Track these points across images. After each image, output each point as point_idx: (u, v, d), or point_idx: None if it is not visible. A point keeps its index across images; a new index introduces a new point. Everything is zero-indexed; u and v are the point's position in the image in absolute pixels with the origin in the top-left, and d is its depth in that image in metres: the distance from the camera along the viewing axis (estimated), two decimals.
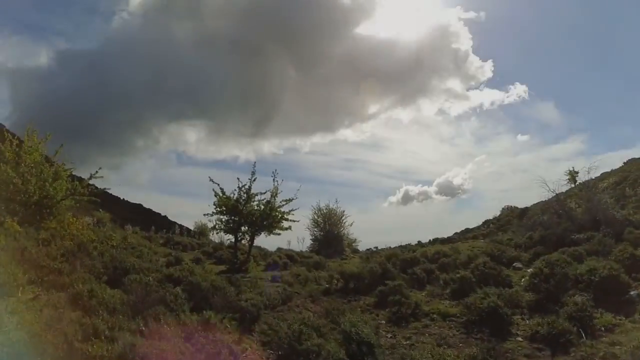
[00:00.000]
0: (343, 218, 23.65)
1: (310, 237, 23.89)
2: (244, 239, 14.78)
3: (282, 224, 14.52)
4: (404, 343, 6.63)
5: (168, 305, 5.77)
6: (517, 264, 12.74)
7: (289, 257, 17.33)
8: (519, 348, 6.54)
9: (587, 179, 23.15)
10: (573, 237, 14.32)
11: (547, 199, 31.92)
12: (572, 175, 30.45)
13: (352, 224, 23.98)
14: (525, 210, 28.98)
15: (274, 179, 14.51)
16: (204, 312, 6.05)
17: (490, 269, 9.79)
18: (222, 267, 14.26)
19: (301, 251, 24.20)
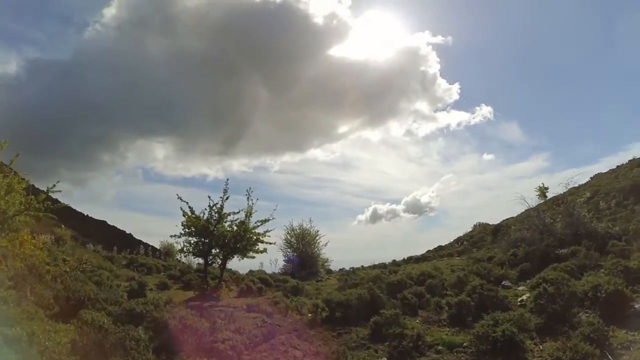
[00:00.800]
0: (317, 238, 22.67)
1: (283, 259, 22.77)
2: (214, 262, 13.53)
3: (257, 246, 13.43)
4: None
5: (128, 353, 4.61)
6: (506, 283, 12.11)
7: (262, 281, 16.10)
8: None
9: (562, 192, 23.39)
10: (557, 252, 13.93)
11: (522, 215, 32.16)
12: (542, 191, 30.89)
13: (326, 243, 23.05)
14: (498, 226, 28.94)
15: (248, 198, 13.44)
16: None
17: (488, 290, 9.02)
18: (191, 293, 12.98)
19: (274, 273, 23.01)
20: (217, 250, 13.06)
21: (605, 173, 35.61)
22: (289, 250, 22.50)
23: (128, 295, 10.82)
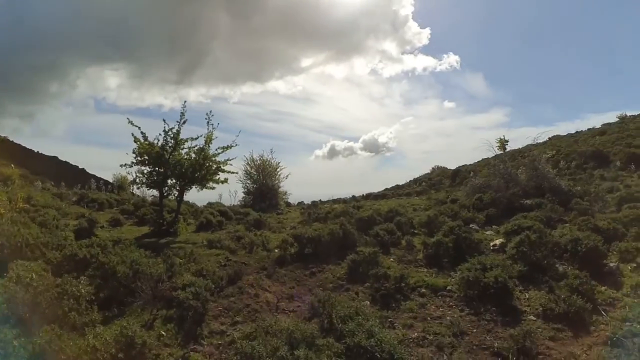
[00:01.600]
0: (278, 170, 21.71)
1: (243, 190, 21.79)
2: (170, 194, 12.22)
3: (218, 176, 12.21)
4: (413, 337, 5.11)
5: (66, 314, 3.58)
6: (474, 226, 11.89)
7: (222, 214, 15.17)
8: (539, 330, 5.33)
9: (520, 147, 23.54)
10: (522, 202, 13.90)
11: (481, 163, 32.66)
12: (502, 142, 31.18)
13: (287, 176, 22.19)
14: (457, 171, 29.28)
15: (208, 122, 11.91)
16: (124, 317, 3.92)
17: (465, 232, 8.57)
18: (146, 229, 11.87)
19: (233, 205, 22.10)
20: (174, 181, 11.70)
21: (564, 136, 36.58)
22: (248, 181, 21.50)
23: (75, 236, 9.58)
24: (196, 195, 27.14)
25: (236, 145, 12.21)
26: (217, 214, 14.49)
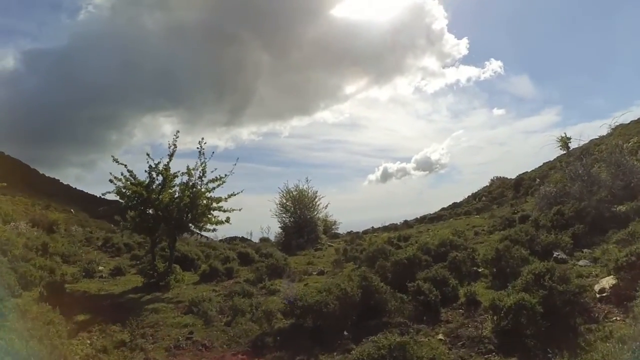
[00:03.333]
0: (316, 200, 19.17)
1: (279, 225, 19.46)
2: (161, 240, 10.07)
3: (213, 215, 9.84)
4: None
5: None
6: (559, 254, 8.50)
7: (242, 256, 12.78)
8: None
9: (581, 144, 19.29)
10: (614, 209, 10.28)
11: (544, 168, 28.09)
12: (565, 141, 26.61)
13: (327, 205, 19.60)
14: (519, 180, 25.09)
15: (200, 152, 9.67)
16: None
17: (560, 282, 5.27)
18: (139, 281, 9.54)
19: (265, 240, 19.85)
20: (163, 226, 9.43)
21: (628, 124, 30.68)
22: (284, 215, 19.16)
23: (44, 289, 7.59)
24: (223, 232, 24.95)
25: (232, 173, 9.84)
26: (233, 257, 12.17)
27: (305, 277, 10.23)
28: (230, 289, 8.14)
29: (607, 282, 6.35)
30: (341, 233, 24.68)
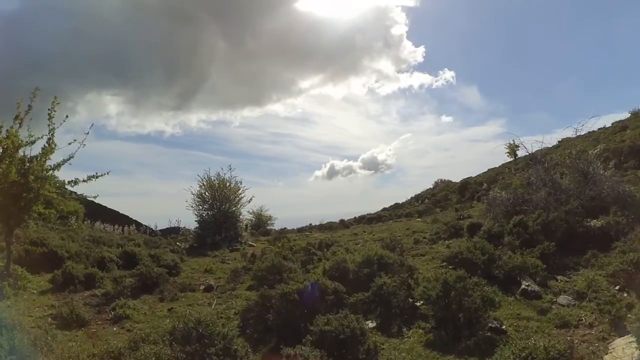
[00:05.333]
0: (239, 192, 15.74)
1: (195, 219, 15.86)
2: None
3: (56, 202, 6.49)
4: None
5: None
6: (529, 285, 5.82)
7: (127, 257, 9.27)
8: None
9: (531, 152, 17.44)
10: (586, 224, 7.94)
11: (490, 173, 26.37)
12: (512, 148, 24.97)
13: (251, 199, 16.23)
14: (465, 184, 23.11)
15: (50, 116, 6.37)
16: None
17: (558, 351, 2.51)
18: None
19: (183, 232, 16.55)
20: None
21: (574, 138, 30.09)
22: (200, 207, 15.59)
23: None
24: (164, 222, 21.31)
25: (83, 145, 6.49)
26: (111, 259, 8.72)
27: (182, 295, 6.97)
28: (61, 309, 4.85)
29: (624, 350, 3.68)
30: (275, 229, 21.84)
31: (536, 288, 5.73)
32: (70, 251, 8.89)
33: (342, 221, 21.02)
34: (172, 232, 18.25)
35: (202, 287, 7.76)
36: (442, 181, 27.37)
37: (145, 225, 21.71)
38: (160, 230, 20.17)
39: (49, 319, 5.31)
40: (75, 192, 7.32)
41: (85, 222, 15.91)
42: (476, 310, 4.01)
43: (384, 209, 26.73)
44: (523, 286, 5.67)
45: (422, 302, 4.83)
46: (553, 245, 7.05)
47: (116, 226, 19.00)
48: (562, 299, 5.43)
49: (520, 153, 24.38)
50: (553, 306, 5.29)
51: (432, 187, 27.97)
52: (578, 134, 13.20)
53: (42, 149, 6.25)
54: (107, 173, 6.86)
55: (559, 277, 6.31)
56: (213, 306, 5.80)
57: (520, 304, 5.33)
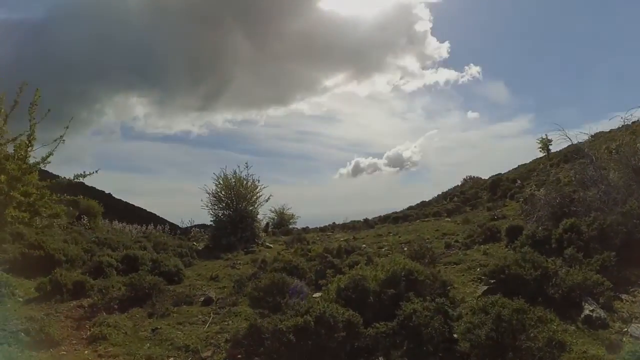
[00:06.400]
0: (257, 190, 14.93)
1: (211, 220, 15.17)
2: None
3: (38, 204, 5.79)
4: None
5: None
6: (593, 308, 4.67)
7: (129, 260, 8.56)
8: None
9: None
10: None
11: (523, 169, 24.86)
12: (545, 143, 23.12)
13: (269, 198, 15.40)
14: (496, 181, 21.58)
15: (31, 106, 5.68)
16: None
17: None
18: None
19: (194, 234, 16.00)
20: None
21: (608, 132, 27.75)
22: (216, 206, 14.90)
23: None
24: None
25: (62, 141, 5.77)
26: (110, 264, 8.03)
27: (174, 310, 6.13)
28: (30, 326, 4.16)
29: None
30: (297, 228, 21.15)
31: (602, 313, 4.55)
32: (68, 255, 8.29)
33: (366, 220, 19.92)
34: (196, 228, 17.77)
35: (201, 299, 6.92)
36: (471, 178, 25.79)
37: (172, 224, 21.32)
38: (181, 229, 19.73)
39: (22, 334, 4.63)
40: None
41: (102, 221, 15.55)
42: (541, 358, 2.97)
43: (410, 208, 25.42)
44: (587, 312, 4.52)
45: (460, 338, 3.79)
46: (614, 255, 5.84)
47: (135, 225, 18.61)
48: (635, 328, 4.27)
49: (555, 148, 22.62)
50: (624, 338, 4.15)
51: (460, 184, 26.42)
52: (625, 123, 11.55)
53: (17, 145, 5.56)
54: (96, 171, 6.16)
55: (623, 297, 5.13)
56: (207, 326, 4.96)
57: (585, 336, 4.19)
